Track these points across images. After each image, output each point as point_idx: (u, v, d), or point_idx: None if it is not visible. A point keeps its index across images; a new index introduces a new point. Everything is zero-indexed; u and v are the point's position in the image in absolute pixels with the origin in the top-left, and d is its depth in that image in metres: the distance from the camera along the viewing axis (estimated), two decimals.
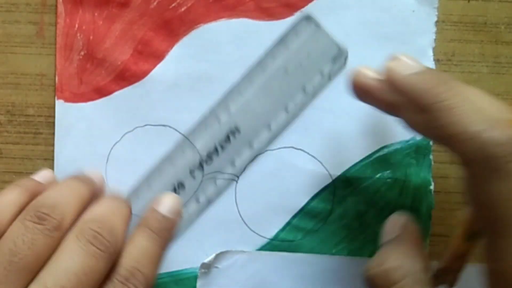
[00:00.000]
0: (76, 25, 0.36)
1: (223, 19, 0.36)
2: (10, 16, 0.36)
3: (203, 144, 0.36)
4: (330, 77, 0.36)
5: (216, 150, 0.36)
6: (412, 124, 0.28)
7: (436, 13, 0.36)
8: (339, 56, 0.36)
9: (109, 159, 0.36)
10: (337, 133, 0.36)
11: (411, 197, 0.36)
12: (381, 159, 0.36)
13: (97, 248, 0.30)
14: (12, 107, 0.36)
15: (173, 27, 0.36)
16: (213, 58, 0.36)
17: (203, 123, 0.36)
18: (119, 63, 0.36)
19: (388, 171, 0.36)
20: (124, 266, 0.31)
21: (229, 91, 0.36)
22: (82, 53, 0.36)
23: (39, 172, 0.34)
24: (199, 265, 0.36)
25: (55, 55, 0.36)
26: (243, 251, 0.36)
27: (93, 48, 0.36)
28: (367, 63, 0.36)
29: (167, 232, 0.33)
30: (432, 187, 0.36)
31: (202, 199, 0.36)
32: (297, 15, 0.36)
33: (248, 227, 0.36)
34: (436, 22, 0.36)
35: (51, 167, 0.36)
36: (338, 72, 0.36)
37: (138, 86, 0.35)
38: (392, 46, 0.36)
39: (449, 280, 0.32)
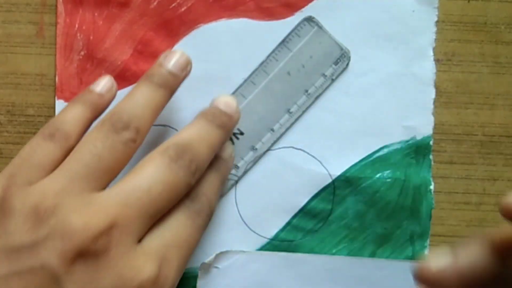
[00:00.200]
0: (76, 25, 0.36)
1: (223, 19, 0.36)
2: (10, 16, 0.36)
3: None
4: (332, 79, 0.36)
5: None
6: None
7: (437, 13, 0.36)
8: (342, 58, 0.36)
9: None
10: (337, 133, 0.36)
11: (411, 197, 0.36)
12: (381, 159, 0.36)
13: (179, 168, 0.30)
14: (12, 107, 0.36)
15: (173, 27, 0.36)
16: (213, 58, 0.36)
17: None
18: (119, 63, 0.36)
19: (388, 171, 0.36)
20: (195, 192, 0.32)
21: (232, 94, 0.36)
22: (82, 53, 0.36)
23: (99, 81, 0.33)
24: (199, 265, 0.36)
25: (55, 55, 0.36)
26: (243, 251, 0.36)
27: (93, 48, 0.36)
28: (368, 63, 0.36)
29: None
30: (432, 187, 0.36)
31: None
32: (297, 15, 0.36)
33: (248, 227, 0.36)
34: (436, 22, 0.36)
35: None
36: (341, 74, 0.36)
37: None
38: (392, 46, 0.36)
39: None
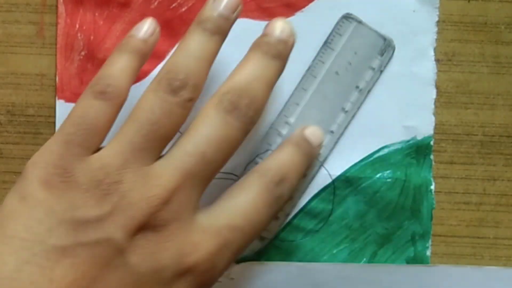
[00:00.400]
0: (77, 25, 0.36)
1: None
2: (10, 16, 0.36)
3: None
4: (381, 71, 0.36)
5: None
6: None
7: (437, 13, 0.36)
8: (387, 48, 0.36)
9: None
10: (337, 133, 0.36)
11: (412, 197, 0.36)
12: (381, 159, 0.36)
13: (236, 119, 0.30)
14: (12, 107, 0.36)
15: (174, 27, 0.36)
16: None
17: (265, 141, 0.36)
18: None
19: (388, 171, 0.36)
20: (281, 176, 0.32)
21: (284, 104, 0.36)
22: (83, 53, 0.36)
23: (141, 26, 0.32)
24: None
25: (56, 55, 0.36)
26: (259, 262, 0.35)
27: (94, 48, 0.36)
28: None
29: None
30: (432, 187, 0.36)
31: None
32: (298, 15, 0.36)
33: None
34: (437, 22, 0.36)
35: None
36: (388, 63, 0.36)
37: (139, 86, 0.35)
38: None
39: None
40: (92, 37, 0.36)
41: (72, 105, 0.35)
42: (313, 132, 0.34)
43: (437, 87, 0.36)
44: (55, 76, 0.36)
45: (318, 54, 0.36)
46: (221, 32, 0.32)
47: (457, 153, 0.36)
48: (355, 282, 0.36)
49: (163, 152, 0.31)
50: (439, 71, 0.36)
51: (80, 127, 0.30)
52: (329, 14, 0.36)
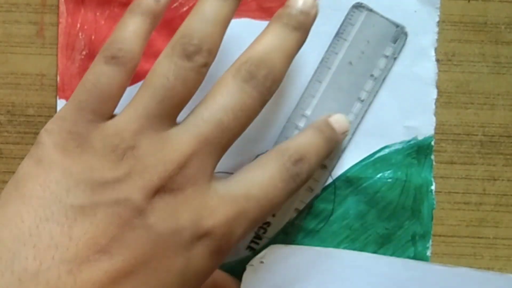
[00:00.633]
0: (78, 25, 0.36)
1: None
2: (10, 16, 0.36)
3: None
4: (395, 58, 0.36)
5: None
6: None
7: (438, 13, 0.36)
8: (399, 35, 0.35)
9: None
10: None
11: (412, 197, 0.36)
12: (382, 159, 0.36)
13: (253, 89, 0.30)
14: (12, 107, 0.36)
15: (175, 27, 0.35)
16: None
17: (283, 136, 0.36)
18: None
19: (389, 171, 0.36)
20: (300, 154, 0.32)
21: (300, 97, 0.36)
22: (84, 52, 0.36)
23: None
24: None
25: (56, 55, 0.36)
26: (286, 245, 0.35)
27: (95, 47, 0.36)
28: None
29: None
30: (433, 187, 0.36)
31: None
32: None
33: None
34: (438, 22, 0.36)
35: None
36: (402, 50, 0.36)
37: (139, 86, 0.35)
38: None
39: None
40: (93, 37, 0.36)
41: None
42: (337, 119, 0.34)
43: (437, 87, 0.36)
44: (55, 76, 0.36)
45: (330, 45, 0.36)
46: None
47: (457, 153, 0.36)
48: (367, 272, 0.35)
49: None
50: (439, 71, 0.36)
51: (92, 93, 0.30)
52: (329, 14, 0.36)
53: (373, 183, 0.36)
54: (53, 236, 0.27)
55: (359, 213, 0.36)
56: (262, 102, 0.31)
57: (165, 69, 0.30)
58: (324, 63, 0.36)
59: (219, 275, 0.35)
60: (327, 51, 0.36)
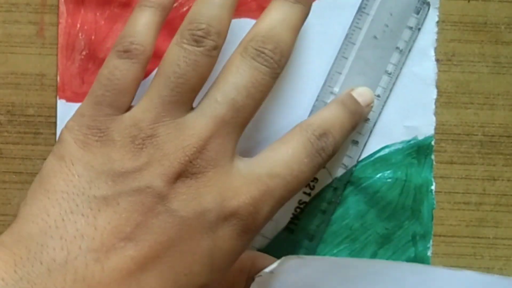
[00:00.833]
0: (78, 25, 0.36)
1: None
2: (10, 16, 0.36)
3: None
4: (419, 28, 0.36)
5: None
6: None
7: (438, 13, 0.36)
8: (422, 5, 0.35)
9: None
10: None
11: (412, 197, 0.36)
12: (382, 159, 0.36)
13: (262, 64, 0.30)
14: (12, 107, 0.36)
15: (175, 27, 0.35)
16: None
17: (312, 114, 0.35)
18: None
19: (389, 171, 0.36)
20: (324, 129, 0.32)
21: (327, 75, 0.36)
22: (84, 52, 0.36)
23: None
24: None
25: (56, 55, 0.36)
26: (298, 256, 0.35)
27: (95, 48, 0.36)
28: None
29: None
30: (433, 187, 0.36)
31: None
32: None
33: None
34: (437, 22, 0.36)
35: None
36: (425, 20, 0.36)
37: (141, 84, 0.35)
38: None
39: None
40: (93, 37, 0.36)
41: (73, 105, 0.36)
42: (361, 92, 0.34)
43: (437, 87, 0.36)
44: (55, 76, 0.36)
45: (353, 20, 0.36)
46: None
47: (457, 153, 0.36)
48: (380, 278, 0.35)
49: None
50: (439, 71, 0.36)
51: (108, 88, 0.30)
52: (330, 14, 0.36)
53: (373, 183, 0.36)
54: (79, 227, 0.28)
55: (359, 213, 0.36)
56: (273, 76, 0.31)
57: (176, 56, 0.30)
58: (348, 39, 0.36)
59: (254, 254, 0.35)
60: (350, 27, 0.36)
